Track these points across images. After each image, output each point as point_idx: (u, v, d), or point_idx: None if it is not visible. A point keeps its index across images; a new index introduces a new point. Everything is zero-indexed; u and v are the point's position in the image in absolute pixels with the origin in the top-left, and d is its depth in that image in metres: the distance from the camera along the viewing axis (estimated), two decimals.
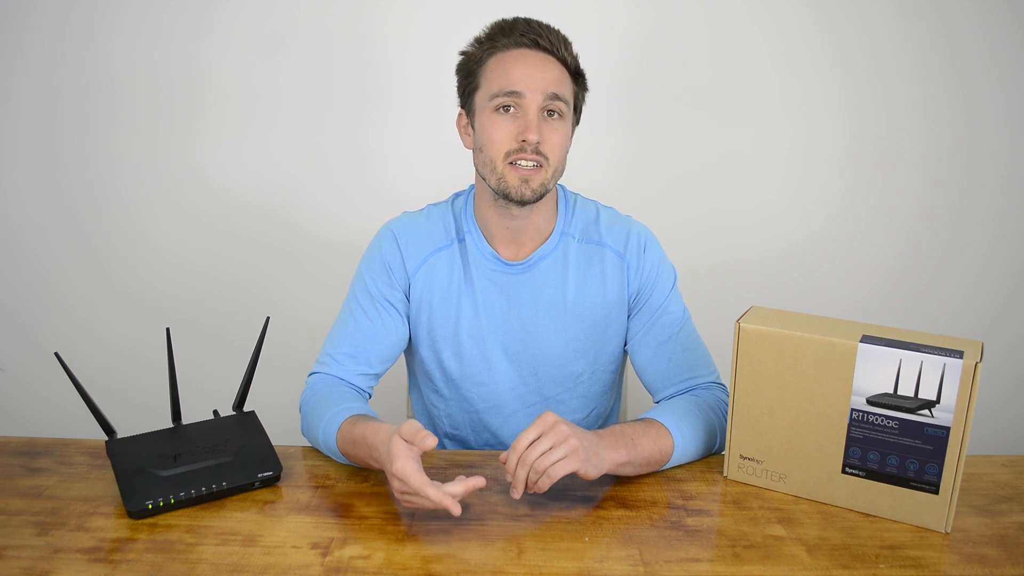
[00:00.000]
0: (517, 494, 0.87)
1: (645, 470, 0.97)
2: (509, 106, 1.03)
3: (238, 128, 1.77)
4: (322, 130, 1.78)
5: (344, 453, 0.97)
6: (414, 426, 0.83)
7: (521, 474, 0.86)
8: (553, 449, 0.86)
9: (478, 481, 0.83)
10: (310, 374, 1.13)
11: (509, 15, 1.08)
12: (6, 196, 1.79)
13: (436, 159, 1.75)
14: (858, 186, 1.82)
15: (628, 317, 1.16)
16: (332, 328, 1.14)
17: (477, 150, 1.08)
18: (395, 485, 0.84)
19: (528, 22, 1.05)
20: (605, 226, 1.15)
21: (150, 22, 1.71)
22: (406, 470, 0.81)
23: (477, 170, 1.09)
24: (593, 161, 1.72)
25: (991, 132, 1.78)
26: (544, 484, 0.86)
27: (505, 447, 1.18)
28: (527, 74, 1.02)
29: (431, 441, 0.81)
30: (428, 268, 1.13)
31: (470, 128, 1.10)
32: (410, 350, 1.21)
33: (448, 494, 0.81)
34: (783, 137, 1.80)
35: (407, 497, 0.84)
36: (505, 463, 0.87)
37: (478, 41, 1.08)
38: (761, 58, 1.75)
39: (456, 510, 0.80)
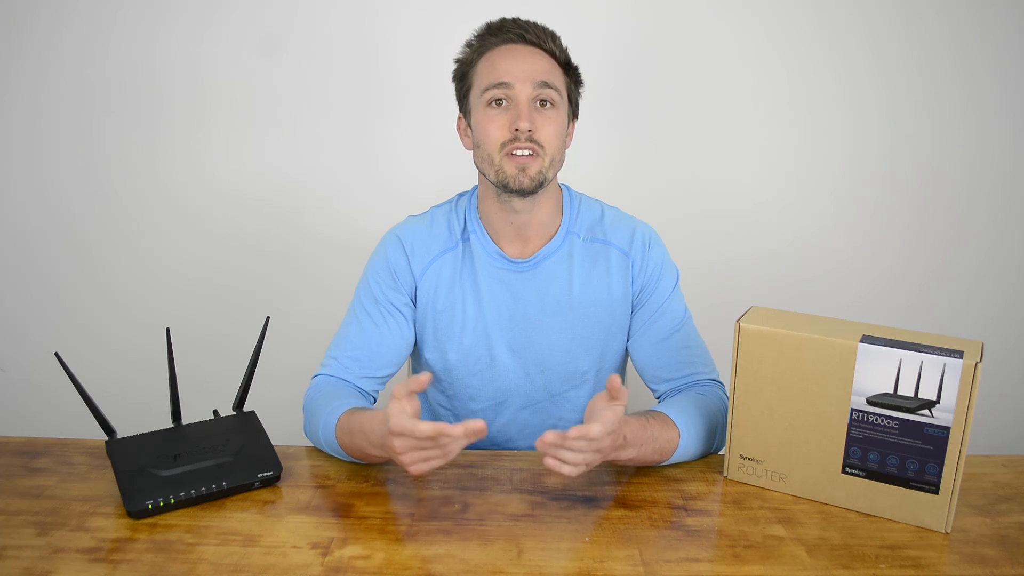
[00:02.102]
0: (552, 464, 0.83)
1: (647, 464, 0.99)
2: (501, 99, 1.04)
3: (239, 128, 1.77)
4: (324, 130, 1.77)
5: (343, 445, 0.97)
6: (403, 382, 0.83)
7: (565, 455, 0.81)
8: (589, 458, 0.83)
9: (478, 424, 0.78)
10: (314, 376, 1.13)
11: (509, 11, 1.10)
12: (6, 196, 1.79)
13: (439, 159, 1.74)
14: (858, 186, 1.82)
15: (631, 314, 1.16)
16: (337, 332, 1.15)
17: (475, 147, 1.09)
18: (396, 446, 0.81)
19: (515, 20, 1.08)
20: (610, 224, 1.16)
21: (151, 22, 1.70)
22: (401, 420, 0.79)
23: (478, 168, 1.10)
24: (593, 160, 1.72)
25: (992, 132, 1.78)
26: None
27: (511, 445, 1.20)
28: (514, 65, 1.04)
29: (425, 376, 0.82)
30: (435, 271, 1.13)
31: (469, 130, 1.12)
32: (414, 354, 1.21)
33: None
34: (783, 136, 1.80)
35: (411, 456, 0.81)
36: (564, 439, 0.81)
37: (468, 45, 1.10)
38: (762, 58, 1.75)
39: (456, 430, 0.78)
